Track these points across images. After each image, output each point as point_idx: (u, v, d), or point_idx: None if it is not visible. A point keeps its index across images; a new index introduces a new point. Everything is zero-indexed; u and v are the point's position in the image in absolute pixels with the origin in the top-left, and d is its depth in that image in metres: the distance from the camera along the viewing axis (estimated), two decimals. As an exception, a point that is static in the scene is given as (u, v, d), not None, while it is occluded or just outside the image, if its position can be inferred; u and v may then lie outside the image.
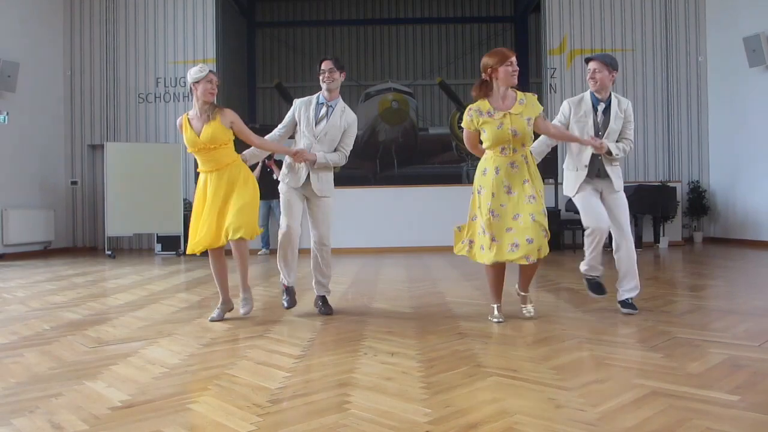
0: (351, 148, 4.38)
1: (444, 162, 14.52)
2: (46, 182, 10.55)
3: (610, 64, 3.99)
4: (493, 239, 3.67)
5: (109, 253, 9.74)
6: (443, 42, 16.32)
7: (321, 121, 4.23)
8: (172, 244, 10.14)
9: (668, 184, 10.30)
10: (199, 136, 3.86)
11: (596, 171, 4.08)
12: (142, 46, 11.26)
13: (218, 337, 3.53)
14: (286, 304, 4.30)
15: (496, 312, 3.90)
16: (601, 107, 4.04)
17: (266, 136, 4.27)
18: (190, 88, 3.94)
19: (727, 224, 10.56)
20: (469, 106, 3.80)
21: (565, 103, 4.15)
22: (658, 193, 9.63)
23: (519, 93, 3.75)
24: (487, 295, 4.48)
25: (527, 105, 3.71)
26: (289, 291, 4.33)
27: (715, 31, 10.90)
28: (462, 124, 3.83)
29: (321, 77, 4.23)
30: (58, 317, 4.25)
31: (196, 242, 3.96)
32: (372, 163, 13.84)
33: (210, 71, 3.92)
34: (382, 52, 16.29)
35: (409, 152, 14.61)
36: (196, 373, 2.75)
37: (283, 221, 4.22)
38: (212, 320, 4.00)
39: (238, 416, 2.16)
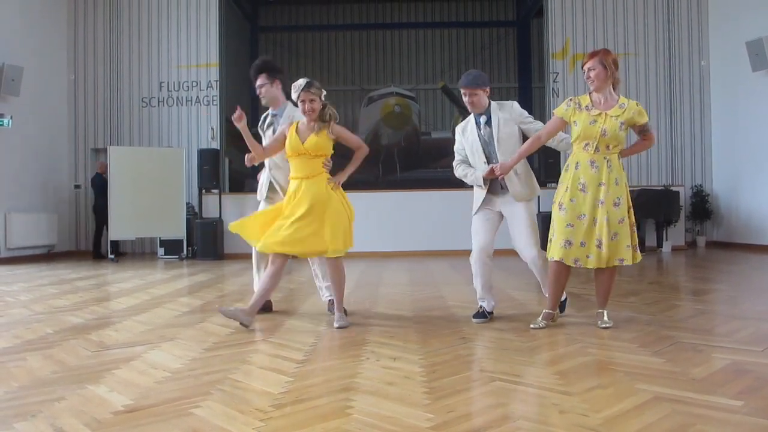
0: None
1: (447, 166, 14.49)
2: (49, 186, 10.57)
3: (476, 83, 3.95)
4: (553, 234, 3.65)
5: (112, 257, 9.75)
6: (446, 46, 16.33)
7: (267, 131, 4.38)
8: (175, 248, 10.15)
9: (671, 188, 10.29)
10: (303, 143, 3.87)
11: (497, 187, 4.00)
12: (146, 50, 11.30)
13: (221, 342, 3.53)
14: None
15: (540, 318, 3.77)
16: (482, 120, 4.00)
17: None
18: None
19: (731, 228, 10.54)
20: (571, 97, 3.78)
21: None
22: (661, 197, 9.63)
23: (622, 98, 3.70)
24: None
25: (627, 110, 3.63)
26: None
27: (717, 36, 10.90)
28: (555, 110, 3.79)
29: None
30: (60, 321, 4.26)
31: (277, 242, 3.82)
32: (374, 168, 13.85)
33: (304, 89, 3.84)
34: (384, 57, 16.30)
35: (411, 156, 14.62)
36: (198, 378, 2.74)
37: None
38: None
39: (241, 421, 2.16)
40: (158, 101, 11.24)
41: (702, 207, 10.72)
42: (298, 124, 3.99)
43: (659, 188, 10.17)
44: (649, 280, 6.38)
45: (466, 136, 4.09)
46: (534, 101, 13.76)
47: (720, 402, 2.26)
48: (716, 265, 7.83)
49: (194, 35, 11.28)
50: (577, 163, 3.66)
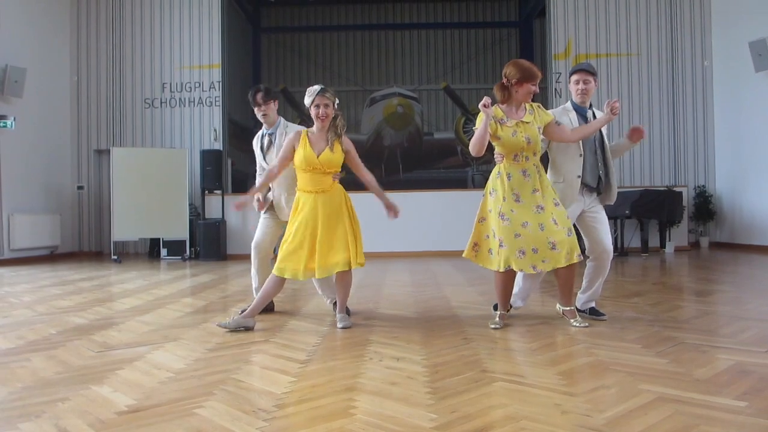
0: None
1: (449, 167, 14.52)
2: (52, 187, 10.59)
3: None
4: (501, 244, 3.67)
5: (115, 257, 9.77)
6: (448, 47, 16.32)
7: (268, 152, 4.40)
8: (178, 249, 10.17)
9: (674, 188, 10.27)
10: (317, 157, 3.85)
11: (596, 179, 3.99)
12: (148, 51, 11.32)
13: (224, 342, 3.54)
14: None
15: (497, 318, 3.86)
16: (589, 114, 4.03)
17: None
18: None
19: (734, 229, 10.52)
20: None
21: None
22: (664, 197, 9.60)
23: (526, 103, 3.79)
24: (492, 300, 4.49)
25: (536, 114, 3.76)
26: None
27: (720, 36, 10.88)
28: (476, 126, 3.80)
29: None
30: (64, 322, 4.27)
31: (302, 269, 3.81)
32: (377, 168, 13.85)
33: (319, 93, 3.85)
34: (386, 57, 16.29)
35: (414, 157, 14.62)
36: (202, 378, 2.75)
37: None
38: (223, 326, 3.85)
39: (244, 421, 2.17)
40: (161, 102, 11.26)
41: (705, 207, 10.70)
42: (308, 134, 3.94)
43: (662, 189, 10.14)
44: (653, 280, 6.37)
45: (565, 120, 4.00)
46: (536, 102, 13.72)
47: (724, 403, 2.26)
48: (720, 266, 7.82)
49: (197, 36, 11.30)
50: (509, 174, 3.71)
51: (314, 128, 3.95)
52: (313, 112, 3.89)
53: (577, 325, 3.77)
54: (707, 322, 3.94)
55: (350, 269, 3.89)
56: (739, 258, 8.75)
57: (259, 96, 4.34)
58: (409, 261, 9.23)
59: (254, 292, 4.44)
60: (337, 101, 3.92)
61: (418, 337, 3.57)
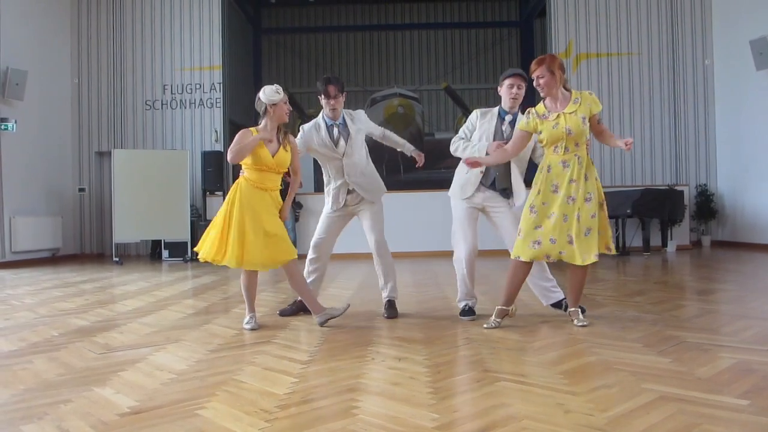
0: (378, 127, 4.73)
1: (450, 167, 14.48)
2: (53, 189, 10.61)
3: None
4: (519, 233, 3.71)
5: (117, 259, 9.78)
6: (448, 47, 16.32)
7: (339, 142, 4.35)
8: (179, 251, 10.17)
9: (676, 187, 10.26)
10: (273, 157, 3.90)
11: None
12: (149, 53, 11.33)
13: (226, 343, 3.54)
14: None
15: (494, 316, 3.83)
16: (508, 118, 4.12)
17: None
18: (265, 108, 3.92)
19: (735, 228, 10.51)
20: (528, 109, 3.82)
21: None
22: (665, 196, 9.59)
23: (574, 92, 3.77)
24: (493, 300, 4.48)
25: (582, 103, 3.70)
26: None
27: (721, 35, 10.88)
28: (518, 125, 3.83)
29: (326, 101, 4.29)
30: (66, 324, 4.27)
31: (246, 260, 3.84)
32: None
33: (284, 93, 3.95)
34: (387, 58, 16.30)
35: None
36: (204, 379, 2.75)
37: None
38: (252, 329, 3.93)
39: (246, 422, 2.17)
40: (162, 104, 11.28)
41: (707, 206, 10.69)
42: (257, 131, 3.94)
43: (663, 188, 10.14)
44: (655, 279, 6.37)
45: (483, 122, 4.15)
46: (536, 102, 13.71)
47: (726, 401, 2.26)
48: (721, 265, 7.81)
49: (197, 38, 11.31)
50: (549, 165, 3.72)
51: (260, 126, 3.99)
52: (278, 110, 3.94)
53: (579, 324, 3.76)
54: (709, 320, 3.93)
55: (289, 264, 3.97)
56: (741, 256, 8.74)
57: (332, 89, 4.25)
58: (411, 261, 9.23)
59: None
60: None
61: (420, 338, 3.57)
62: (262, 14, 15.74)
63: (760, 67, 9.45)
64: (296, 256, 3.99)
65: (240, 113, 12.01)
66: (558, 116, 3.68)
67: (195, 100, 11.25)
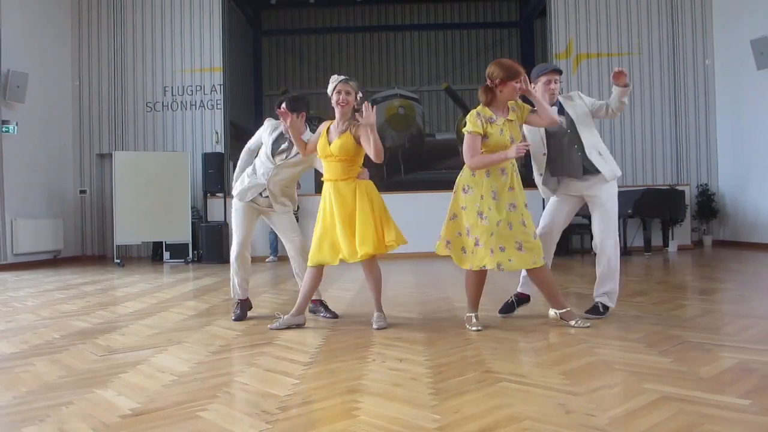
0: None
1: (451, 167, 14.47)
2: (55, 191, 10.62)
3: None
4: (477, 243, 3.67)
5: (118, 261, 9.78)
6: (449, 48, 16.32)
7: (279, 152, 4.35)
8: (181, 252, 10.18)
9: (677, 187, 10.26)
10: (329, 145, 3.90)
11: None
12: (150, 55, 11.34)
13: (227, 345, 3.54)
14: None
15: (474, 320, 3.82)
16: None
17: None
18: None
19: (737, 227, 10.50)
20: (476, 111, 3.73)
21: None
22: (666, 196, 9.59)
23: (509, 102, 3.78)
24: (494, 301, 4.49)
25: (518, 110, 3.77)
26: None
27: (721, 34, 10.87)
28: (468, 129, 3.70)
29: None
30: (67, 326, 4.27)
31: (330, 256, 3.89)
32: (379, 170, 13.85)
33: (341, 81, 3.89)
34: (387, 59, 16.30)
35: (415, 158, 14.62)
36: (205, 381, 2.75)
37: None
38: (274, 327, 3.96)
39: (247, 423, 2.17)
40: (162, 106, 11.28)
41: (708, 206, 10.68)
42: (330, 125, 3.99)
43: (665, 187, 10.13)
44: (656, 279, 6.36)
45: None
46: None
47: (728, 401, 2.26)
48: (723, 264, 7.80)
49: (198, 40, 11.32)
50: (488, 171, 3.69)
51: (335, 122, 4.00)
52: (333, 99, 3.92)
53: (576, 325, 3.74)
54: (711, 320, 3.93)
55: (373, 259, 3.99)
56: (742, 256, 8.73)
57: (284, 106, 4.23)
58: (412, 262, 9.23)
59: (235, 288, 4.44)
60: (360, 95, 3.97)
61: (422, 338, 3.57)
62: (262, 16, 15.74)
63: (760, 66, 9.44)
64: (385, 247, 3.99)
65: (240, 115, 12.02)
66: (504, 122, 3.70)
67: (195, 101, 11.26)
